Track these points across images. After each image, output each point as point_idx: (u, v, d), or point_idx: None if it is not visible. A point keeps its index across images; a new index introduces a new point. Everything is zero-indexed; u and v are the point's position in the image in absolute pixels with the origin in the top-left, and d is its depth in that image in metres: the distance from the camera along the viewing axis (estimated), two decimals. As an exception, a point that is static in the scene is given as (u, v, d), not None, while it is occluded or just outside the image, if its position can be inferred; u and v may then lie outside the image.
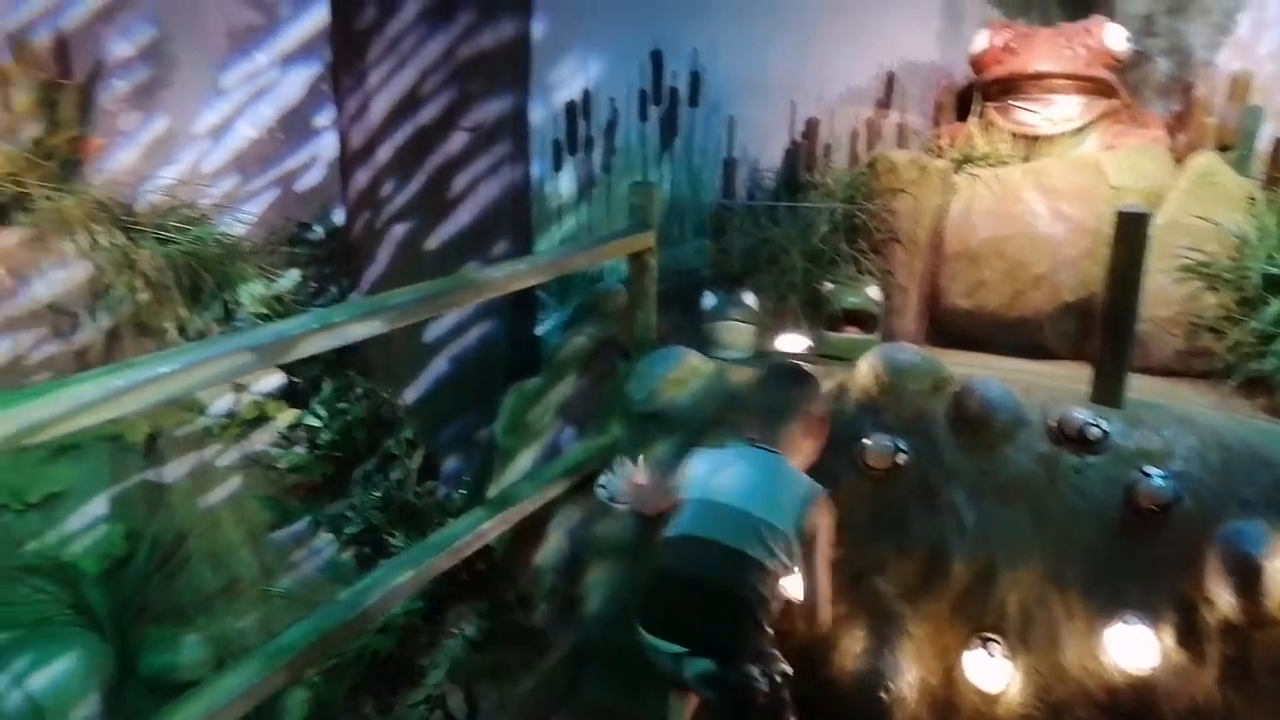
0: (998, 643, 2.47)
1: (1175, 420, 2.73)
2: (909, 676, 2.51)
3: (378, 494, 3.52)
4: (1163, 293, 3.42)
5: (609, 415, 3.20)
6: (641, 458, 2.76)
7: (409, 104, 3.68)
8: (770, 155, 4.58)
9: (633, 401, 3.08)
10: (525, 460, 3.37)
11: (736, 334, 3.48)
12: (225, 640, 3.17)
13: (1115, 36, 4.11)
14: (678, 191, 4.99)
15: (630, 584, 2.69)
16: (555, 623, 2.92)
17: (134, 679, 3.02)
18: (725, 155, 4.77)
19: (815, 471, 2.51)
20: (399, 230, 3.80)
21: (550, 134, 4.95)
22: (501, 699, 2.97)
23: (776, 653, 2.26)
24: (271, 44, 4.53)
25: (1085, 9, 4.41)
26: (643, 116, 4.98)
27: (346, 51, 3.78)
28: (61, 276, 3.63)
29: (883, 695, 2.47)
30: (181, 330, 3.78)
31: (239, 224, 4.32)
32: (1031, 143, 4.09)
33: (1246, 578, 2.35)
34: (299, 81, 4.56)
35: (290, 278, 4.14)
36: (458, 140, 3.74)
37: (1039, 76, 4.09)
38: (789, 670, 2.25)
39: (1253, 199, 3.56)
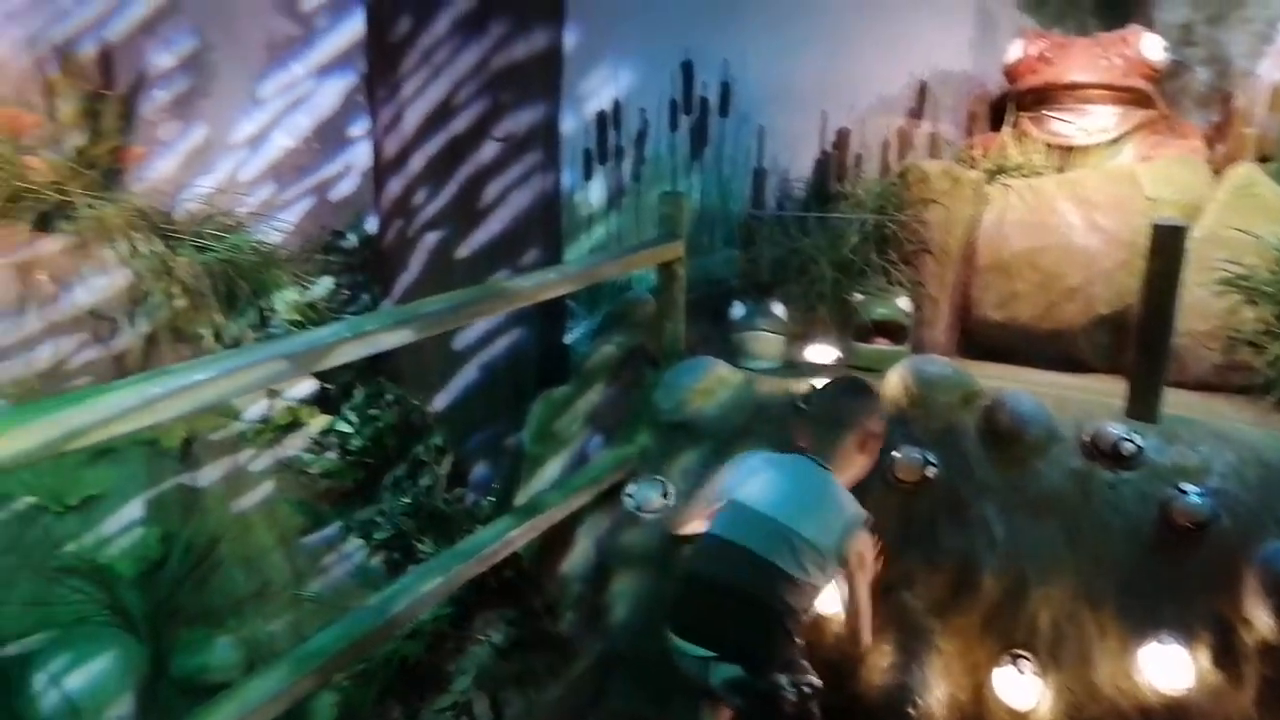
0: (1028, 659, 2.44)
1: (1212, 436, 2.69)
2: (938, 692, 2.49)
3: (407, 500, 3.54)
4: (1200, 306, 3.37)
5: (637, 424, 3.21)
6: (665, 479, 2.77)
7: (442, 114, 3.72)
8: (800, 165, 4.57)
9: (660, 411, 3.08)
10: (553, 468, 3.38)
11: (765, 344, 3.47)
12: (256, 643, 3.21)
13: (1152, 46, 4.06)
14: (707, 201, 4.98)
15: (657, 593, 2.70)
16: (582, 631, 2.93)
17: (167, 680, 3.06)
18: (755, 165, 4.77)
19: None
20: (431, 239, 3.84)
21: (581, 143, 4.96)
22: (528, 706, 2.98)
23: (806, 664, 2.25)
24: (308, 55, 4.59)
25: (1122, 18, 4.36)
26: (673, 126, 4.98)
27: (381, 62, 3.83)
28: (102, 283, 3.70)
29: (911, 711, 2.45)
30: (217, 336, 3.83)
31: (274, 232, 4.38)
32: (1066, 153, 4.06)
33: (1286, 598, 2.30)
34: (334, 92, 4.61)
35: (324, 285, 4.19)
36: (489, 150, 3.77)
37: (1074, 86, 4.05)
38: (818, 682, 2.24)
39: (1293, 211, 3.50)
